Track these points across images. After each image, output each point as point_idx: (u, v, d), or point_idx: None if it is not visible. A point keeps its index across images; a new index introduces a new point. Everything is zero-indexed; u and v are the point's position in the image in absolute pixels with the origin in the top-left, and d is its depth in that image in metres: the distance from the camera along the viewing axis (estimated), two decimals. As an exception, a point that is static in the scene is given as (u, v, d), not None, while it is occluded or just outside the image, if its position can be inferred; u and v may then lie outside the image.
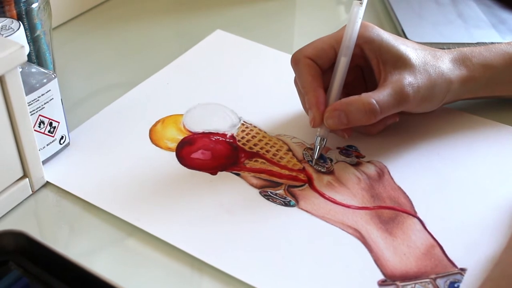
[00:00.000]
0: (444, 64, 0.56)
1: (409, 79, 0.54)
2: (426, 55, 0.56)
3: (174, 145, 0.57)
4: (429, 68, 0.55)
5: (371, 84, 0.57)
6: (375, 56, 0.55)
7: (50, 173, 0.53)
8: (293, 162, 0.55)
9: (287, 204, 0.51)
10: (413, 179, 0.54)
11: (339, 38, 0.55)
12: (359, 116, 0.53)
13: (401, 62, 0.54)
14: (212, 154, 0.56)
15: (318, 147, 0.55)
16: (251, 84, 0.65)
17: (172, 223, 0.49)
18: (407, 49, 0.55)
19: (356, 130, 0.57)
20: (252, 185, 0.53)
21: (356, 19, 0.55)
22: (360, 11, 0.55)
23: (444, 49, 0.59)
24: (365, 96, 0.53)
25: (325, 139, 0.55)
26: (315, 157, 0.55)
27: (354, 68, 0.57)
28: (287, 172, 0.54)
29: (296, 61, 0.56)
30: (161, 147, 0.57)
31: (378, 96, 0.53)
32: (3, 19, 0.52)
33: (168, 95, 0.63)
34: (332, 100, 0.55)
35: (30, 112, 0.50)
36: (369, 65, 0.56)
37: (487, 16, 0.76)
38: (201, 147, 0.57)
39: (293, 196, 0.52)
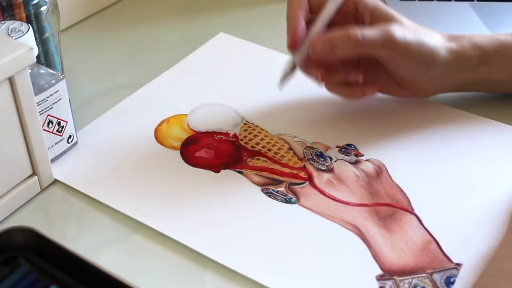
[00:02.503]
0: (434, 36, 0.57)
1: (398, 27, 0.54)
2: (418, 25, 0.57)
3: (178, 144, 0.57)
4: (419, 30, 0.56)
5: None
6: (369, 13, 0.56)
7: (58, 171, 0.53)
8: (294, 160, 0.55)
9: (288, 201, 0.51)
10: (410, 176, 0.54)
11: None
12: (341, 42, 0.53)
13: (393, 21, 0.55)
14: (215, 152, 0.56)
15: (286, 69, 0.55)
16: (253, 85, 0.65)
17: (177, 219, 0.49)
18: (399, 15, 0.56)
19: (337, 93, 0.58)
20: (254, 182, 0.53)
21: None
22: None
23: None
24: (349, 27, 0.53)
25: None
26: (280, 79, 0.55)
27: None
28: (288, 170, 0.54)
29: None
30: (166, 146, 0.57)
31: (364, 29, 0.53)
32: (13, 21, 0.52)
33: (173, 96, 0.63)
34: (315, 33, 0.55)
35: (39, 112, 0.50)
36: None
37: (482, 18, 0.76)
38: (204, 146, 0.57)
39: (294, 193, 0.52)
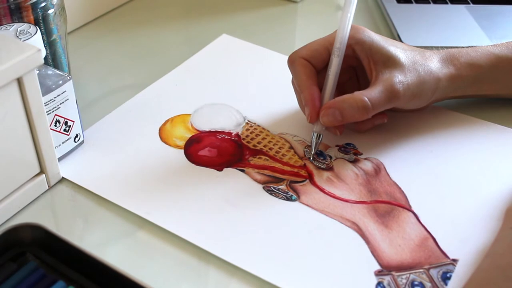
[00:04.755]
0: (433, 63, 0.56)
1: (399, 77, 0.53)
2: (415, 55, 0.56)
3: (182, 143, 0.57)
4: (418, 67, 0.55)
5: (364, 84, 0.56)
6: (366, 56, 0.55)
7: (65, 169, 0.53)
8: (294, 159, 0.55)
9: (289, 198, 0.51)
10: (408, 175, 0.54)
11: (332, 40, 0.55)
12: (352, 113, 0.52)
13: (391, 62, 0.54)
14: (218, 151, 0.56)
15: (315, 142, 0.55)
16: (255, 85, 0.65)
17: (180, 216, 0.49)
18: (397, 49, 0.55)
19: (347, 126, 0.57)
20: (256, 180, 0.53)
21: (346, 22, 0.55)
22: (349, 16, 0.55)
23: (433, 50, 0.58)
24: (357, 94, 0.53)
25: (321, 135, 0.55)
26: (313, 152, 0.55)
27: (347, 68, 0.57)
28: (289, 169, 0.54)
29: (291, 61, 0.56)
30: (170, 145, 0.57)
31: (370, 94, 0.53)
32: (21, 24, 0.52)
33: (177, 96, 0.63)
34: (327, 97, 0.54)
35: (47, 112, 0.50)
36: (361, 65, 0.56)
37: (477, 20, 0.76)
38: (208, 145, 0.57)
39: (295, 191, 0.52)
